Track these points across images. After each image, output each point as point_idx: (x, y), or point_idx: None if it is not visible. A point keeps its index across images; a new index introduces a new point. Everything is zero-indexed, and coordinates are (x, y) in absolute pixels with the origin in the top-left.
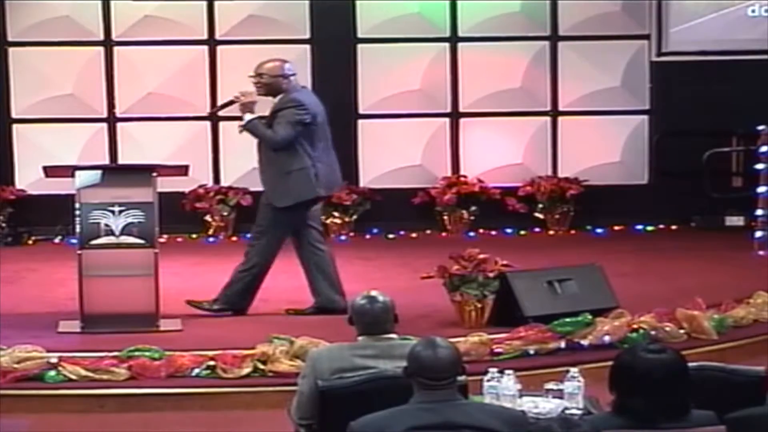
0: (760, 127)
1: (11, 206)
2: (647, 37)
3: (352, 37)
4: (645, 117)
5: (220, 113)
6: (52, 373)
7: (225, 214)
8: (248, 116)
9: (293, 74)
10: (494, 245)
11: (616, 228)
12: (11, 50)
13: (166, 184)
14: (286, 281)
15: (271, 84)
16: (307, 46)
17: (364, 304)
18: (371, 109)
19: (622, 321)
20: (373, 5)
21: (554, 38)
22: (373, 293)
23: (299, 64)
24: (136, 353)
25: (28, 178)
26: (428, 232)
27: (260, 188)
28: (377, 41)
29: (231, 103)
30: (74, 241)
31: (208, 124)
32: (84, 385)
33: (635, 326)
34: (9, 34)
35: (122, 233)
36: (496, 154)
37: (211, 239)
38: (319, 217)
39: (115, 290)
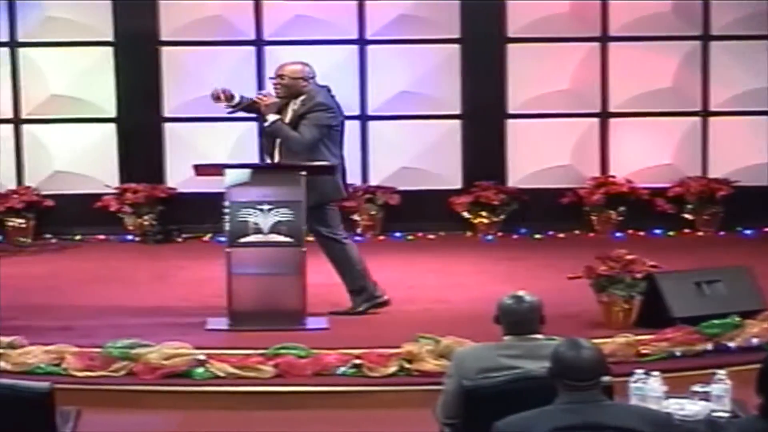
0: None
1: (162, 204)
2: None
3: (501, 37)
4: None
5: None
6: (200, 370)
7: (373, 213)
8: (272, 117)
9: (313, 76)
10: (642, 246)
11: (766, 230)
12: (164, 49)
13: None
14: (432, 280)
15: (291, 86)
16: (457, 46)
17: (511, 303)
18: (520, 109)
19: None
20: (523, 4)
21: (706, 38)
22: (521, 293)
23: (449, 63)
24: (283, 351)
25: (179, 177)
26: (576, 232)
27: (409, 187)
28: (527, 41)
29: (253, 103)
30: (223, 238)
31: (357, 123)
32: (230, 383)
33: None
34: (161, 34)
35: (270, 231)
36: (645, 155)
37: (358, 238)
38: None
39: (262, 288)
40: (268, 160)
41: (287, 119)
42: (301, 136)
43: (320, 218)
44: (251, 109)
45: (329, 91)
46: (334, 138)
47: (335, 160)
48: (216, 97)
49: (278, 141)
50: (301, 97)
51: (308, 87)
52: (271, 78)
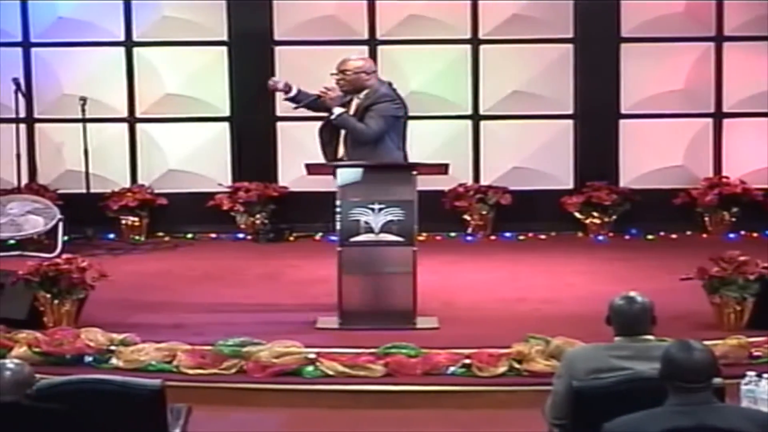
0: None
1: (274, 203)
2: None
3: (615, 36)
4: None
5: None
6: (310, 368)
7: (484, 212)
8: (338, 110)
9: (375, 71)
10: (756, 247)
11: None
12: (277, 49)
13: (426, 183)
14: (543, 280)
15: (354, 80)
16: (570, 46)
17: (623, 304)
18: (633, 109)
19: None
20: (638, 4)
21: None
22: (632, 294)
23: (562, 63)
24: (393, 350)
25: (291, 176)
26: (688, 233)
27: (521, 187)
28: (641, 40)
29: (318, 98)
30: (334, 237)
31: (469, 123)
32: (340, 381)
33: None
34: (275, 34)
35: (382, 231)
36: (759, 155)
37: (469, 238)
38: None
39: (373, 287)
40: (328, 156)
41: (351, 113)
42: (368, 127)
43: None
44: (316, 105)
45: (391, 85)
46: (398, 130)
47: (399, 153)
48: (273, 89)
49: (343, 134)
50: (365, 91)
51: (371, 81)
52: (334, 74)
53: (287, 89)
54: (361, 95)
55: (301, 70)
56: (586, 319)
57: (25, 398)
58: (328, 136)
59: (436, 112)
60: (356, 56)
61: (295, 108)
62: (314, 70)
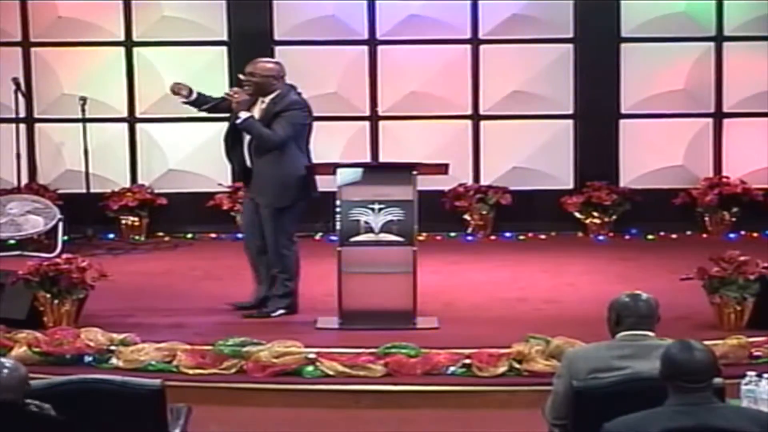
0: None
1: None
2: None
3: (615, 36)
4: None
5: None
6: (310, 368)
7: (484, 212)
8: (244, 114)
9: (284, 75)
10: (756, 247)
11: None
12: (277, 49)
13: (426, 183)
14: (543, 280)
15: (262, 84)
16: (570, 45)
17: (628, 302)
18: (633, 109)
19: None
20: (638, 4)
21: None
22: (637, 292)
23: (562, 63)
24: (393, 350)
25: None
26: (688, 233)
27: (521, 187)
28: (641, 40)
29: (222, 100)
30: (334, 237)
31: (469, 123)
32: (340, 381)
33: None
34: (275, 33)
35: (382, 231)
36: (760, 155)
37: (469, 238)
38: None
39: (373, 287)
40: (235, 164)
41: (256, 117)
42: (274, 133)
43: (289, 219)
44: (220, 107)
45: (296, 89)
46: (303, 136)
47: (304, 158)
48: (173, 92)
49: (247, 140)
50: (272, 96)
51: (278, 85)
52: (241, 75)
53: (188, 94)
54: (267, 99)
55: (301, 70)
56: (587, 319)
57: (22, 398)
58: (231, 141)
59: (436, 112)
60: (266, 59)
61: (199, 111)
62: (314, 70)
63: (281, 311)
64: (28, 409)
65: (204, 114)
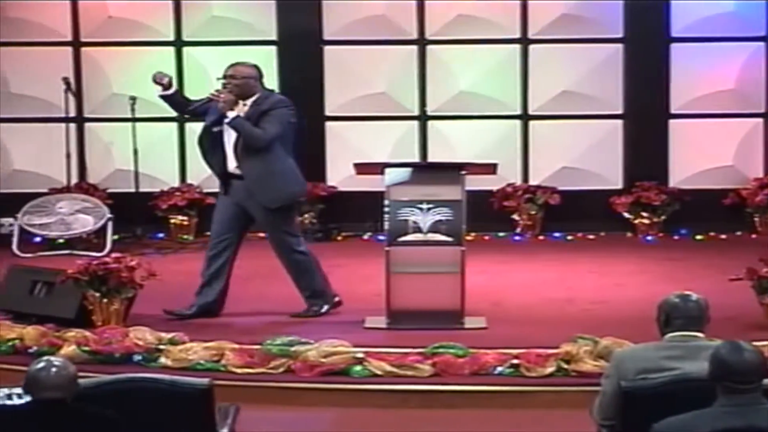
0: None
1: (322, 203)
2: None
3: (665, 36)
4: None
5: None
6: (358, 368)
7: (533, 212)
8: (231, 113)
9: (262, 77)
10: None
11: None
12: (326, 48)
13: (475, 183)
14: (591, 280)
15: (242, 86)
16: (620, 45)
17: (678, 302)
18: (683, 109)
19: None
20: (687, 4)
21: None
22: (687, 292)
23: (611, 63)
24: (441, 350)
25: (340, 175)
26: (738, 233)
27: (570, 187)
28: (691, 40)
29: (209, 101)
30: (382, 237)
31: (518, 122)
32: (388, 381)
33: None
34: (325, 33)
35: (430, 230)
36: None
37: (518, 238)
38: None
39: (421, 287)
40: (215, 168)
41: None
42: (264, 132)
43: (285, 218)
44: (203, 109)
45: (274, 92)
46: (291, 137)
47: (290, 158)
48: (155, 80)
49: (232, 142)
50: (252, 98)
51: (258, 87)
52: (221, 78)
53: (169, 86)
54: (248, 102)
55: (350, 69)
56: (635, 320)
57: (71, 397)
58: (210, 144)
59: (485, 112)
60: (244, 62)
61: (181, 114)
62: (363, 70)
63: (326, 307)
64: (77, 406)
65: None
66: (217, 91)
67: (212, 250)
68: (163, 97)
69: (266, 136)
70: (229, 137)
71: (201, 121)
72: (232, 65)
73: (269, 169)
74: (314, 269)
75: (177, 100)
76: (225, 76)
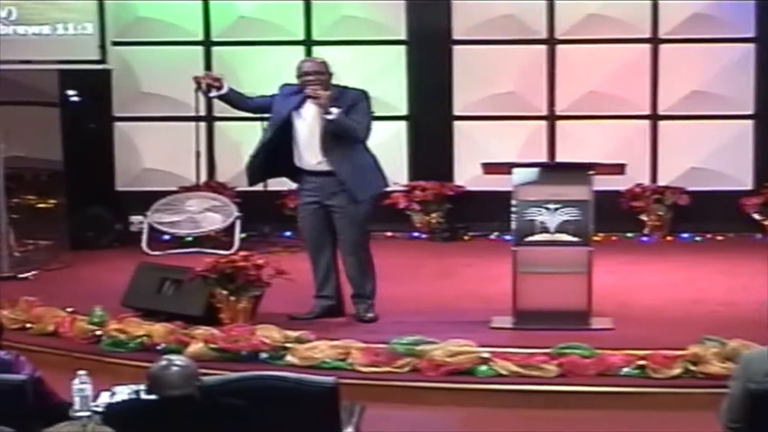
0: None
1: (449, 202)
2: None
3: None
4: None
5: None
6: (484, 368)
7: (661, 213)
8: (335, 110)
9: None
10: None
11: None
12: (455, 48)
13: (603, 183)
14: (720, 281)
15: (327, 81)
16: (752, 45)
17: None
18: None
19: None
20: None
21: None
22: None
23: (743, 63)
24: (567, 351)
25: (467, 175)
26: None
27: (699, 187)
28: None
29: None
30: (509, 237)
31: (647, 123)
32: (514, 381)
33: None
34: (454, 33)
35: (557, 231)
36: None
37: (645, 238)
38: None
39: (547, 287)
40: (315, 162)
41: (315, 116)
42: (361, 126)
43: (367, 213)
44: (266, 104)
45: None
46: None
47: (369, 157)
48: (212, 81)
49: (318, 135)
50: (331, 90)
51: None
52: (307, 75)
53: (220, 86)
54: (328, 93)
55: (479, 69)
56: (764, 322)
57: (197, 392)
58: (277, 143)
59: (614, 112)
60: (317, 57)
61: (243, 111)
62: (492, 70)
63: (370, 314)
64: (206, 400)
65: (386, 113)
66: (311, 88)
67: (315, 253)
68: (217, 97)
69: (364, 129)
70: (311, 133)
71: (258, 119)
72: (308, 61)
73: (359, 163)
74: (373, 271)
75: (232, 98)
76: (308, 73)
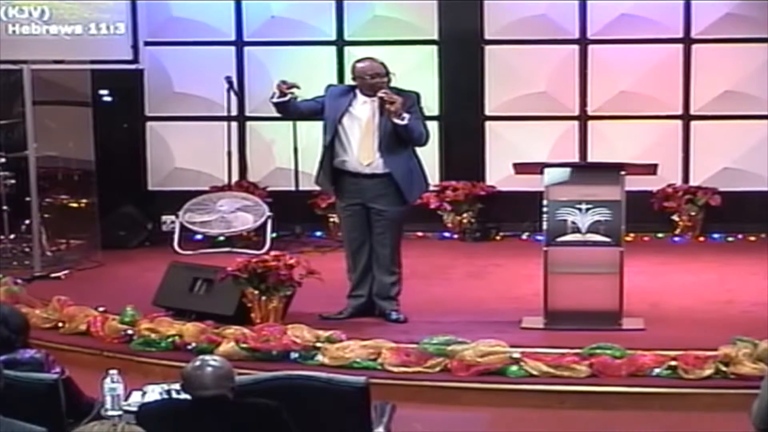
0: None
1: (481, 202)
2: None
3: None
4: None
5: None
6: (514, 368)
7: (693, 213)
8: (407, 114)
9: None
10: None
11: None
12: (487, 48)
13: (635, 183)
14: (752, 282)
15: (388, 82)
16: None
17: None
18: None
19: None
20: None
21: None
22: None
23: None
24: (598, 351)
25: (498, 175)
26: None
27: (731, 188)
28: None
29: (383, 103)
30: (540, 237)
31: (679, 123)
32: (545, 381)
33: None
34: (486, 33)
35: (588, 231)
36: None
37: (677, 239)
38: None
39: (579, 287)
40: (366, 164)
41: (370, 115)
42: (425, 131)
43: (406, 215)
44: (316, 107)
45: None
46: None
47: (416, 155)
48: (287, 88)
49: (377, 136)
50: (401, 98)
51: None
52: (380, 77)
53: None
54: (376, 98)
55: (511, 69)
56: None
57: (230, 392)
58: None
59: (646, 112)
60: (370, 57)
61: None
62: (524, 70)
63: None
64: (238, 400)
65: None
66: (382, 91)
67: (355, 253)
68: (277, 103)
69: (427, 135)
70: (366, 133)
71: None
72: (372, 62)
73: (409, 165)
74: (401, 272)
75: (290, 104)
76: (379, 74)
